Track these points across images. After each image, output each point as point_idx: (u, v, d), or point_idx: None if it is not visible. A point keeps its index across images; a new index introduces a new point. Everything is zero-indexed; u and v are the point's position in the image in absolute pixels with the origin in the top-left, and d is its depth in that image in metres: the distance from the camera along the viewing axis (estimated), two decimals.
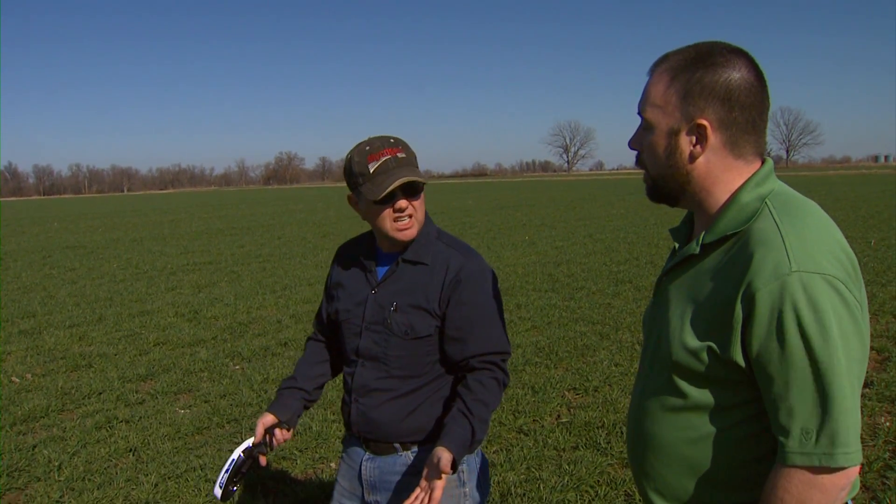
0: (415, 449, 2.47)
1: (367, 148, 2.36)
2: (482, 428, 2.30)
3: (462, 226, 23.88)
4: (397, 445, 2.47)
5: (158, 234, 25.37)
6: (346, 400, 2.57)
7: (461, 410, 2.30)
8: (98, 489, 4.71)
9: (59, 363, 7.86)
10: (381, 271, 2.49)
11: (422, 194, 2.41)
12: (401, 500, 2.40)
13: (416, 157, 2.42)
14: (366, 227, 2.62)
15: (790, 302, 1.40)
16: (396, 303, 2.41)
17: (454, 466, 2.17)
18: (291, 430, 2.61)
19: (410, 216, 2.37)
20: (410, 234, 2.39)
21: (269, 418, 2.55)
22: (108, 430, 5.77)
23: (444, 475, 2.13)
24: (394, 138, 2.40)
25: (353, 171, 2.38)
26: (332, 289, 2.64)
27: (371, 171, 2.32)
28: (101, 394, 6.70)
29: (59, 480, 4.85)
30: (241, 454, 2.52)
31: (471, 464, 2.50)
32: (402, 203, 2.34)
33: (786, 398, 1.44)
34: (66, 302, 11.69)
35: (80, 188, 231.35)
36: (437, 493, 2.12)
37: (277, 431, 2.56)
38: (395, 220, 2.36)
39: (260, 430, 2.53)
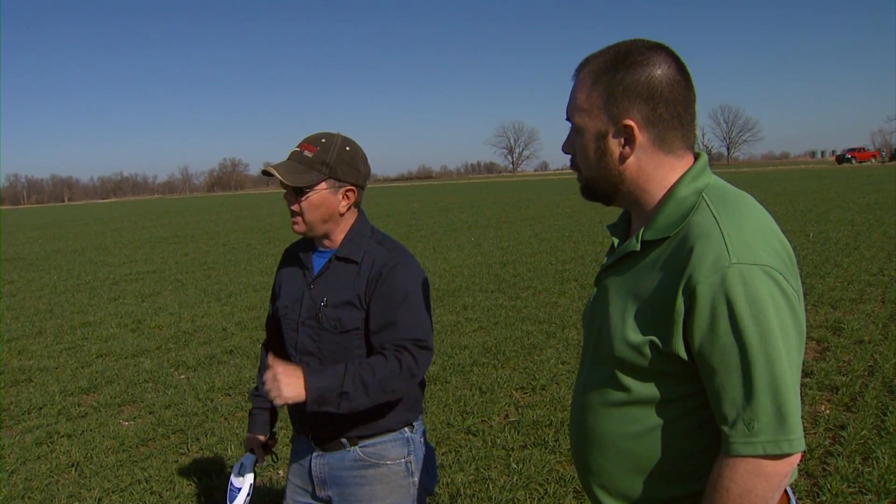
0: (362, 443, 2.50)
1: (304, 138, 2.48)
2: (357, 389, 2.25)
3: (408, 228, 23.84)
4: (344, 441, 2.50)
5: (100, 244, 24.84)
6: None
7: (347, 363, 2.31)
8: None
9: None
10: (318, 268, 2.54)
11: (311, 196, 2.40)
12: (352, 494, 2.51)
13: (328, 161, 2.40)
14: None
15: (731, 293, 1.41)
16: (327, 298, 2.45)
17: (308, 395, 2.19)
18: (275, 436, 2.93)
19: (295, 213, 2.44)
20: (297, 229, 2.49)
21: (258, 439, 2.81)
22: (48, 446, 5.63)
23: (280, 373, 2.17)
24: (326, 137, 2.45)
25: None
26: (277, 287, 2.71)
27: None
28: (41, 408, 6.54)
29: None
30: (253, 474, 2.77)
31: (417, 454, 2.55)
32: (289, 199, 2.45)
33: (728, 389, 1.44)
34: (3, 315, 11.39)
35: (18, 199, 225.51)
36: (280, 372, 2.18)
37: (269, 443, 2.86)
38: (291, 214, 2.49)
39: (260, 451, 2.81)
